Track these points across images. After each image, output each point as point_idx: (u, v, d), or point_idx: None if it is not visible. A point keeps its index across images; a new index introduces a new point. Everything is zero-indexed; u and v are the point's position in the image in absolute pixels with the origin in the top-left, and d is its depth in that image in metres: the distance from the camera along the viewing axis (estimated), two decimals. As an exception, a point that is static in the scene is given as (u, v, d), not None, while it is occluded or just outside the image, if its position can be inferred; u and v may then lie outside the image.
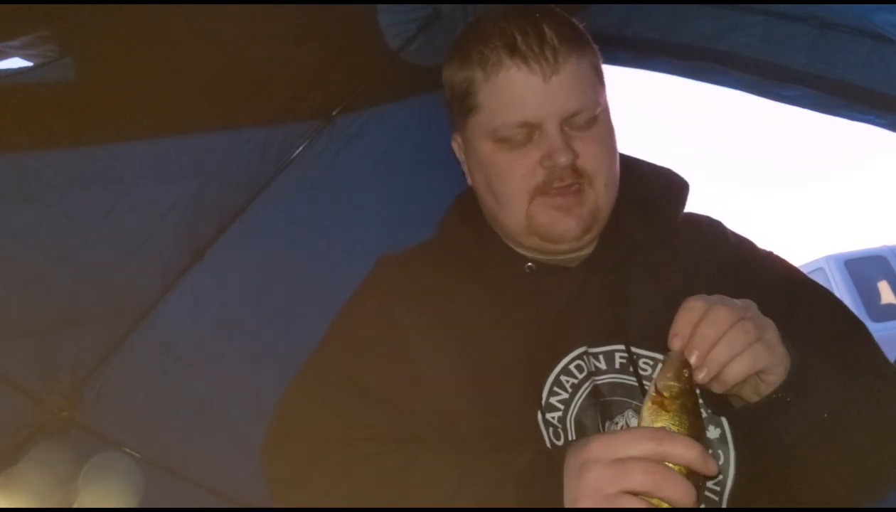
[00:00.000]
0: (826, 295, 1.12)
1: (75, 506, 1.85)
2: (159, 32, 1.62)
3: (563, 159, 0.96)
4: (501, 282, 1.05)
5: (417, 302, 1.05)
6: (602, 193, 1.00)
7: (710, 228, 1.14)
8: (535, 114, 0.97)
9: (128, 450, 2.00)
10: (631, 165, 1.13)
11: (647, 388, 0.95)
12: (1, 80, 1.55)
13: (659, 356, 0.99)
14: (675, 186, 1.12)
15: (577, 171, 0.98)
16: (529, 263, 1.04)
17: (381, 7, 1.88)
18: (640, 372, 0.98)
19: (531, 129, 0.98)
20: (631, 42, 1.97)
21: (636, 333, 1.01)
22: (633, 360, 0.98)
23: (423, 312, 1.04)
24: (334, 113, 2.07)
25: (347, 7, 1.82)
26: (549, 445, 0.96)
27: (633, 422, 0.96)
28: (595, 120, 0.99)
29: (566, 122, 0.98)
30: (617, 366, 0.99)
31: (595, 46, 1.03)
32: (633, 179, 1.09)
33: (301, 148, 2.06)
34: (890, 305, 5.47)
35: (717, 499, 0.95)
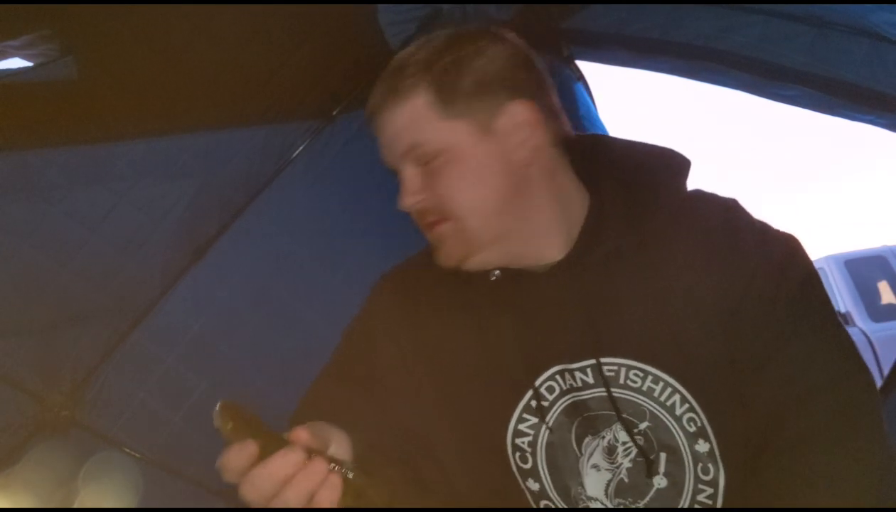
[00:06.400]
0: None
1: (75, 506, 1.85)
2: (160, 32, 1.62)
3: (404, 204, 0.99)
4: (472, 296, 1.03)
5: (398, 324, 1.06)
6: (468, 224, 0.97)
7: (718, 218, 1.01)
8: (387, 160, 1.02)
9: (128, 449, 2.00)
10: (621, 152, 1.07)
11: (617, 397, 0.93)
12: (1, 79, 1.56)
13: (648, 368, 0.95)
14: (670, 171, 1.04)
15: (435, 208, 0.98)
16: (496, 271, 1.01)
17: (381, 6, 1.88)
18: (630, 383, 0.95)
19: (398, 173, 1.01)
20: (630, 42, 1.98)
21: (621, 342, 0.96)
22: (602, 374, 0.95)
23: (404, 335, 1.05)
24: (334, 113, 2.07)
25: (347, 7, 1.82)
26: (516, 473, 0.96)
27: (621, 435, 0.95)
28: (442, 154, 0.97)
29: (415, 161, 0.98)
30: (603, 380, 0.96)
31: (445, 79, 0.97)
32: (622, 169, 1.03)
33: (301, 147, 2.07)
34: (890, 305, 5.46)
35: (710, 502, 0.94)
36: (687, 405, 0.93)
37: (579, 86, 2.20)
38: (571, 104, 2.17)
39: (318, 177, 2.12)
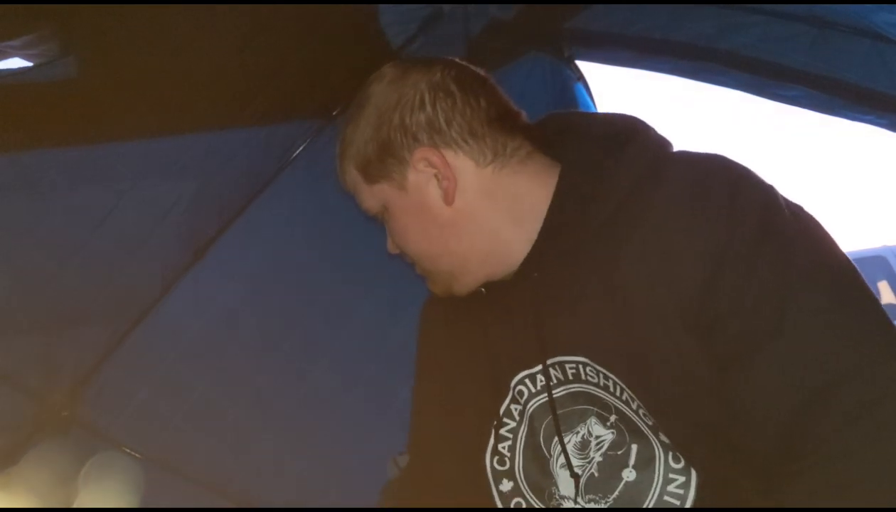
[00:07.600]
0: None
1: (75, 506, 1.85)
2: (160, 32, 1.62)
3: (388, 251, 1.09)
4: (473, 310, 1.07)
5: (427, 340, 1.18)
6: (426, 267, 1.06)
7: (682, 191, 0.90)
8: None
9: (128, 449, 2.01)
10: (581, 128, 1.04)
11: (584, 391, 0.94)
12: (1, 79, 1.56)
13: (597, 366, 0.93)
14: (618, 144, 0.96)
15: (404, 254, 1.08)
16: (482, 289, 1.05)
17: (381, 7, 1.88)
18: (590, 380, 0.94)
19: None
20: (632, 42, 1.97)
21: (570, 341, 0.95)
22: (547, 375, 0.97)
23: (428, 354, 1.17)
24: (335, 113, 2.07)
25: (348, 7, 1.82)
26: (490, 474, 1.02)
27: (596, 429, 0.95)
28: (382, 213, 1.05)
29: (375, 218, 1.08)
30: (570, 376, 0.96)
31: (358, 151, 1.04)
32: (583, 147, 0.99)
33: (302, 147, 2.07)
34: (890, 305, 5.47)
35: (678, 503, 0.92)
36: (637, 403, 0.92)
37: (579, 86, 2.20)
38: (571, 104, 2.17)
39: (318, 177, 2.12)
